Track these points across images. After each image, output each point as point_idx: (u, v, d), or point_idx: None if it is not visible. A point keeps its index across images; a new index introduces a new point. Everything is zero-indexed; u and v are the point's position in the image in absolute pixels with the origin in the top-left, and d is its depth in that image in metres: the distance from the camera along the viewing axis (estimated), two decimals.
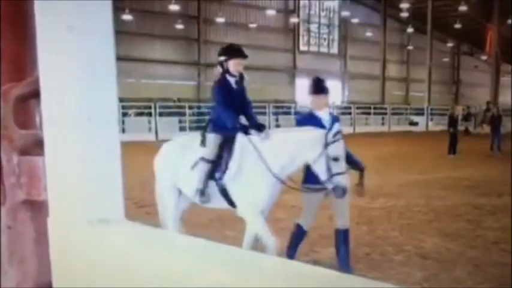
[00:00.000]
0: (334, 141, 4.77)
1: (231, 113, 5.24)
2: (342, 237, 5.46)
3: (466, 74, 58.42)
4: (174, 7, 36.69)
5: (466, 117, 30.04)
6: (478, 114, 33.64)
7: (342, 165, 4.83)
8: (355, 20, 48.67)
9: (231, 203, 5.25)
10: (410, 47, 53.74)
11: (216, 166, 5.21)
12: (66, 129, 1.16)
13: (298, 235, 5.62)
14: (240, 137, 5.19)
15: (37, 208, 1.32)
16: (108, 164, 1.19)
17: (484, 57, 50.74)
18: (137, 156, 17.16)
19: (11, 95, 1.32)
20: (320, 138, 4.82)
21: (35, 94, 1.27)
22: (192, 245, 1.10)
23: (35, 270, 1.34)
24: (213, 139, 5.29)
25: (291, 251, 5.54)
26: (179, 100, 33.89)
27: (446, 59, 56.91)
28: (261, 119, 33.06)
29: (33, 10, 1.20)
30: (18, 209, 1.33)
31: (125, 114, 28.17)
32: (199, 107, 33.70)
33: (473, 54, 56.19)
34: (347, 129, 23.44)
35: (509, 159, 15.85)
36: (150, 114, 28.65)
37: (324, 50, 48.52)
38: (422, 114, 38.08)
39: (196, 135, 5.55)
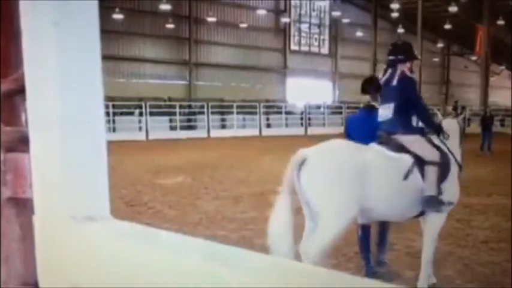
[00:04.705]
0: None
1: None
2: None
3: (456, 75, 58.71)
4: (164, 6, 36.54)
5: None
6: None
7: None
8: (345, 20, 48.74)
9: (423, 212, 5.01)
10: None
11: (443, 169, 4.95)
12: (51, 126, 1.15)
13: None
14: (434, 139, 5.15)
15: (22, 205, 1.30)
16: (94, 160, 1.17)
17: (473, 58, 51.00)
18: (127, 155, 17.15)
19: None
20: (458, 124, 5.41)
21: (21, 91, 1.25)
22: (180, 243, 1.09)
23: (20, 268, 1.33)
24: (416, 141, 4.95)
25: None
26: (170, 99, 33.83)
27: (436, 59, 57.14)
28: (251, 118, 33.12)
29: (18, 5, 1.18)
30: (4, 206, 1.31)
31: (115, 114, 28.08)
32: (190, 107, 33.67)
33: (463, 54, 56.39)
34: (338, 128, 23.50)
35: (499, 159, 15.93)
36: (140, 113, 28.59)
37: (314, 49, 48.56)
38: None
39: (354, 143, 4.87)
